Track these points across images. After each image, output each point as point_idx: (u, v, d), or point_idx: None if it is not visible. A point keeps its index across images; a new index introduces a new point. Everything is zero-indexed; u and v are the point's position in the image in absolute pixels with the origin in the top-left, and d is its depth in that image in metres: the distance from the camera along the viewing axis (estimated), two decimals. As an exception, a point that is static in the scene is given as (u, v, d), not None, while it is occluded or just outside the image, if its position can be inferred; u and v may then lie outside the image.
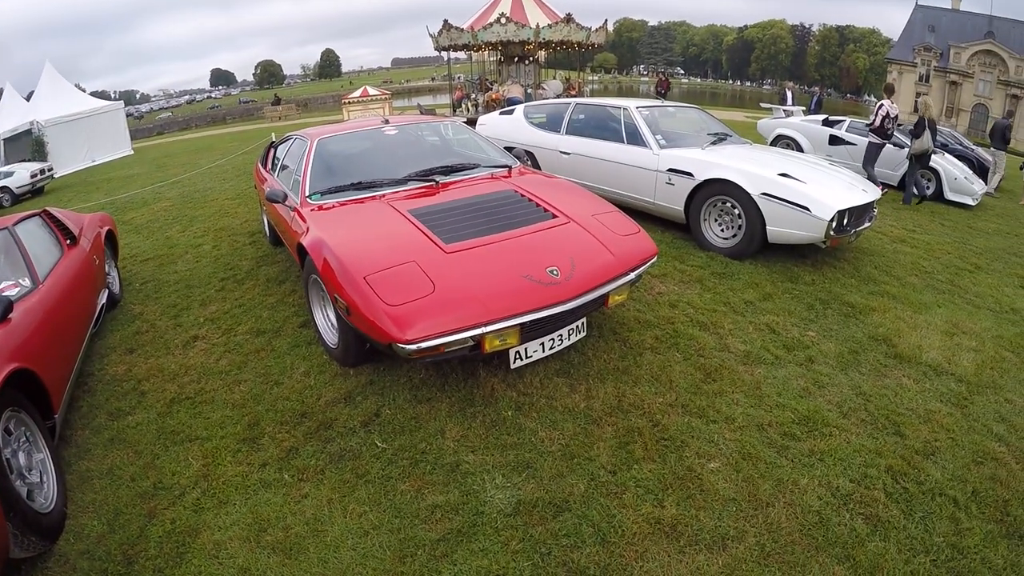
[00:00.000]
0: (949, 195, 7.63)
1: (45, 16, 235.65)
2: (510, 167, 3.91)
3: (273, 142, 5.22)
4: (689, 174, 4.80)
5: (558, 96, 14.70)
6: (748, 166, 4.56)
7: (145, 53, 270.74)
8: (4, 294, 2.61)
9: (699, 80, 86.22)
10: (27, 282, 3.02)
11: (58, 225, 3.93)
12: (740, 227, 4.58)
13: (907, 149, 7.47)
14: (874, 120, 7.27)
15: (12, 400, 2.18)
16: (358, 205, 3.30)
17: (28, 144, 17.86)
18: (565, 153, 6.09)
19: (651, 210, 5.34)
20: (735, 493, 2.19)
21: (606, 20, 15.00)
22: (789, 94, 13.75)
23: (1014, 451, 2.47)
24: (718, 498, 2.17)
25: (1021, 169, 10.46)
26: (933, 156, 7.49)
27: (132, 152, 21.08)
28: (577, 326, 2.85)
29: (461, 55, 16.94)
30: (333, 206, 3.31)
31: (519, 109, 7.17)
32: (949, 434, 2.56)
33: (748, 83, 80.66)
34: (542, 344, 2.71)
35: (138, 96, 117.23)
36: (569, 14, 13.68)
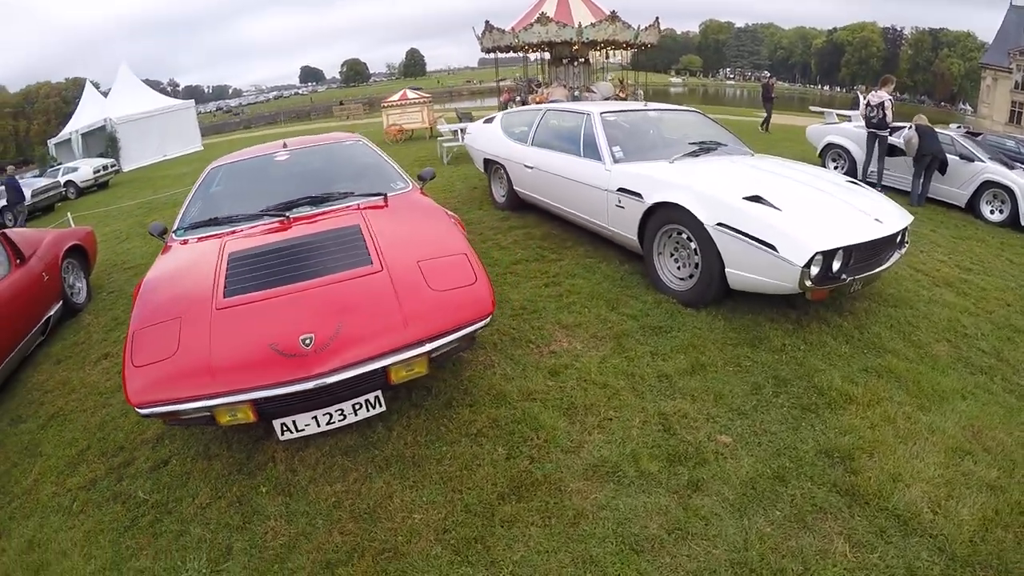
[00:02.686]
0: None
1: (144, 13, 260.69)
2: (386, 195, 3.34)
3: None
4: (639, 195, 3.78)
5: (606, 99, 13.66)
6: (709, 186, 3.47)
7: (239, 49, 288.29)
8: None
9: (787, 84, 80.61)
10: None
11: (11, 245, 4.20)
12: (696, 265, 3.49)
13: (976, 163, 6.39)
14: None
15: None
16: (199, 244, 3.09)
17: (103, 139, 19.59)
18: (528, 167, 5.26)
19: (608, 236, 4.37)
20: None
21: (657, 18, 13.67)
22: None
23: None
24: None
25: None
26: (1013, 170, 6.25)
27: (202, 148, 22.56)
28: (368, 400, 2.35)
29: (519, 56, 16.24)
30: (185, 242, 3.16)
31: (499, 117, 6.37)
32: None
33: (838, 88, 74.85)
34: (315, 418, 2.29)
35: (230, 91, 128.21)
36: (614, 12, 12.59)
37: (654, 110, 5.21)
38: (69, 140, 21.25)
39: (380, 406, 2.36)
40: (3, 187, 11.87)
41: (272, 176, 3.78)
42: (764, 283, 3.12)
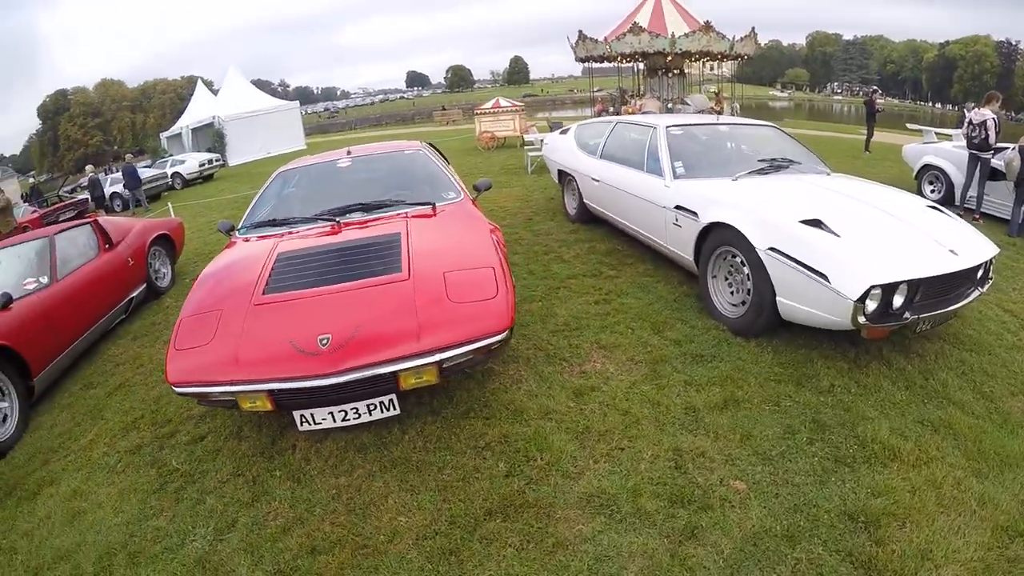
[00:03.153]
0: None
1: (259, 15, 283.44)
2: (434, 204, 3.45)
3: None
4: (695, 213, 3.60)
5: (700, 112, 13.22)
6: (765, 207, 3.26)
7: (349, 53, 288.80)
8: (6, 291, 3.56)
9: (896, 101, 73.68)
10: (45, 279, 3.97)
11: (102, 232, 4.86)
12: (748, 291, 3.25)
13: None
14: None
15: None
16: (257, 242, 3.34)
17: (211, 134, 21.67)
18: (596, 180, 5.21)
19: (667, 255, 4.21)
20: None
21: (753, 29, 12.95)
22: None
23: None
24: None
25: None
26: None
27: (305, 147, 24.29)
28: (383, 402, 2.43)
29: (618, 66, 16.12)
30: (247, 240, 3.45)
31: (573, 128, 6.36)
32: None
33: (950, 105, 67.88)
34: (331, 414, 2.42)
35: (338, 92, 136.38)
36: (708, 22, 12.11)
37: (726, 124, 4.96)
38: (180, 134, 23.90)
39: (394, 409, 2.43)
40: (122, 173, 13.61)
41: (334, 182, 4.02)
42: (815, 316, 2.86)
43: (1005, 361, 3.11)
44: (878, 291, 2.68)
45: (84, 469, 2.77)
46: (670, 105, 13.20)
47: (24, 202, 13.61)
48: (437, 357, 2.26)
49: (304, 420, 2.39)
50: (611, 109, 14.63)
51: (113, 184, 14.45)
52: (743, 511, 2.04)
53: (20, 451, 3.10)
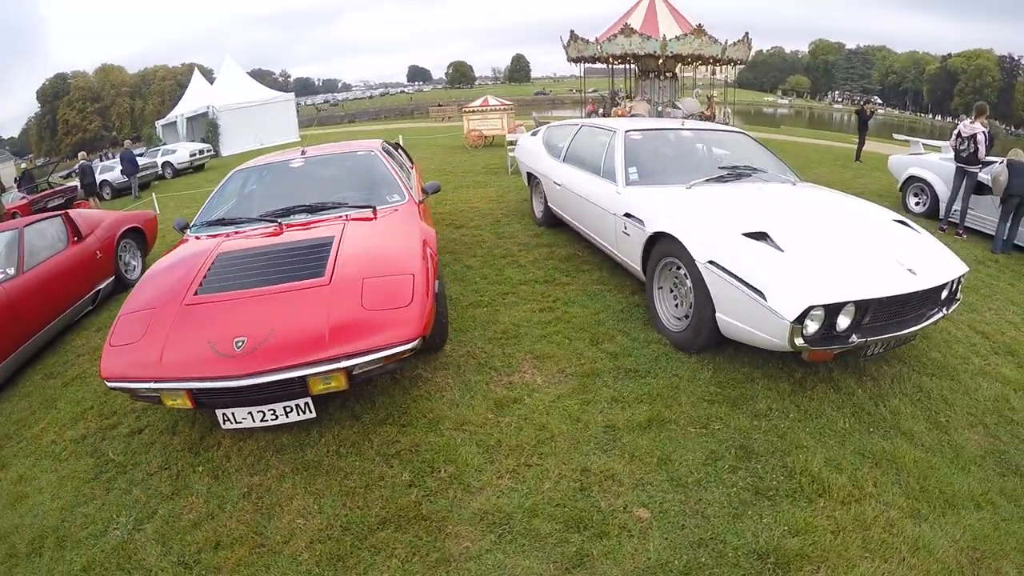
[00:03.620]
0: None
1: (262, 4, 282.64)
2: (375, 208, 3.55)
3: None
4: (642, 222, 3.63)
5: (690, 116, 13.29)
6: (711, 217, 3.27)
7: (351, 45, 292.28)
8: None
9: (896, 112, 74.27)
10: (12, 271, 4.11)
11: (72, 225, 4.99)
12: (691, 305, 3.25)
13: None
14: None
15: None
16: (202, 241, 3.45)
17: (205, 124, 21.87)
18: (557, 184, 5.28)
19: (620, 263, 4.24)
20: None
21: (746, 33, 13.01)
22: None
23: None
24: None
25: None
26: None
27: (299, 139, 24.44)
28: (298, 405, 2.53)
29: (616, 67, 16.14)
30: (197, 238, 3.54)
31: (542, 130, 6.44)
32: None
33: (950, 118, 68.91)
34: (251, 413, 2.52)
35: (340, 85, 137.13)
36: (699, 25, 12.16)
37: (692, 130, 4.95)
38: (175, 123, 24.14)
39: (310, 412, 2.51)
40: (119, 158, 13.82)
41: (285, 182, 4.13)
42: (754, 335, 2.80)
43: (968, 388, 3.03)
44: (820, 312, 2.58)
45: (32, 456, 2.92)
46: (660, 108, 13.28)
47: (16, 187, 13.82)
48: (344, 364, 2.35)
49: (226, 418, 2.50)
50: (600, 111, 14.73)
51: (104, 172, 14.63)
52: (641, 542, 2.02)
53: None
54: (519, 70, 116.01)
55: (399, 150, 5.98)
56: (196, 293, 2.75)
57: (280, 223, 3.40)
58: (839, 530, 2.05)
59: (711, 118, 13.52)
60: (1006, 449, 2.57)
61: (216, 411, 2.51)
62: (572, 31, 13.69)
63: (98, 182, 14.01)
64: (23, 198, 11.23)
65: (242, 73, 25.52)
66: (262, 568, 2.00)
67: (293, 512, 2.24)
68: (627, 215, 3.83)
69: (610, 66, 15.22)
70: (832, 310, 2.62)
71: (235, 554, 2.07)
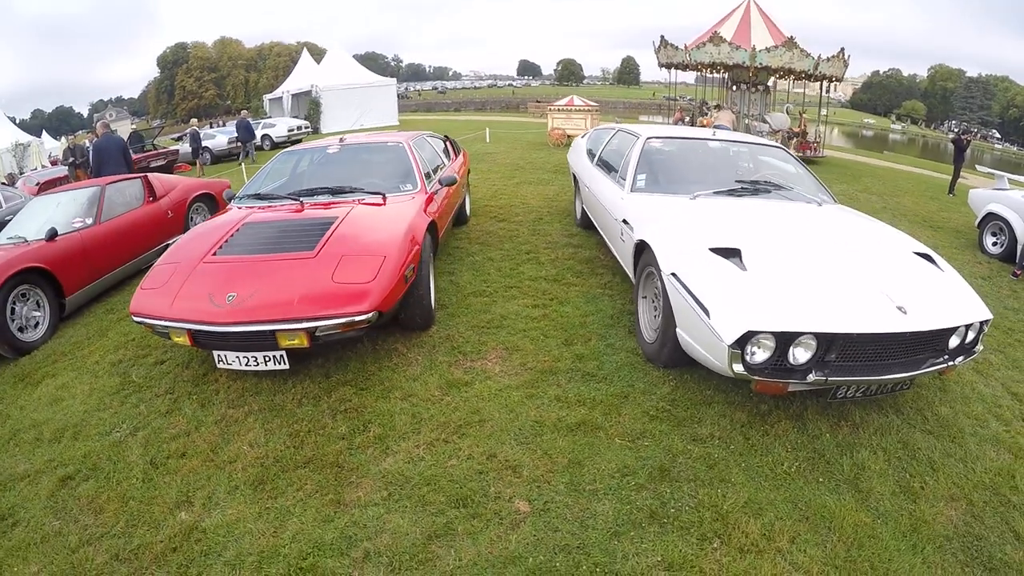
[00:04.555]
0: None
1: None
2: (385, 195, 3.99)
3: None
4: (632, 228, 3.73)
5: (777, 132, 12.85)
6: (687, 228, 3.28)
7: (464, 36, 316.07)
8: (54, 226, 4.58)
9: (1015, 149, 65.49)
10: (90, 221, 4.98)
11: (149, 187, 5.89)
12: (657, 317, 3.30)
13: None
14: None
15: (28, 282, 4.20)
16: (239, 211, 4.04)
17: (308, 102, 23.70)
18: (587, 186, 5.49)
19: (624, 268, 4.32)
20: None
21: (842, 49, 12.18)
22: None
23: None
24: None
25: None
26: None
27: (398, 123, 25.95)
28: (275, 356, 2.97)
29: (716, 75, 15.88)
30: (237, 208, 4.16)
31: (590, 133, 6.66)
32: None
33: None
34: (238, 357, 3.02)
35: (450, 73, 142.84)
36: (791, 37, 11.63)
37: (723, 141, 4.89)
38: (281, 98, 26.43)
39: (284, 364, 2.96)
40: (236, 126, 15.55)
41: (321, 165, 4.71)
42: (703, 356, 2.71)
43: (969, 454, 2.68)
44: (768, 339, 2.46)
45: (77, 371, 3.68)
46: (747, 121, 12.92)
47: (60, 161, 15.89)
48: (306, 325, 2.76)
49: (220, 359, 3.03)
50: (687, 119, 14.54)
51: (207, 139, 16.51)
52: (507, 531, 2.13)
53: (41, 351, 4.07)
54: (628, 72, 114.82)
55: (448, 143, 6.47)
56: (215, 254, 3.32)
57: (302, 202, 3.93)
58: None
59: (803, 135, 12.98)
60: (984, 535, 2.19)
61: (212, 352, 3.04)
62: (662, 36, 13.62)
63: (200, 149, 15.86)
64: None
65: (347, 56, 27.52)
66: (204, 477, 2.48)
67: (245, 441, 2.70)
68: (624, 220, 3.95)
69: (703, 74, 14.96)
70: (784, 339, 2.46)
71: (190, 463, 2.57)
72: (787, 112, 14.72)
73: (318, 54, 30.82)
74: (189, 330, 2.92)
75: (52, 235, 4.49)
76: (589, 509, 2.25)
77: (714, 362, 2.63)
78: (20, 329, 4.09)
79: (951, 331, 2.68)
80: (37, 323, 4.27)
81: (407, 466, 2.49)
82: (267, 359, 2.97)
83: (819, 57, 12.14)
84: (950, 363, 2.72)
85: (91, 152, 7.77)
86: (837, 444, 2.69)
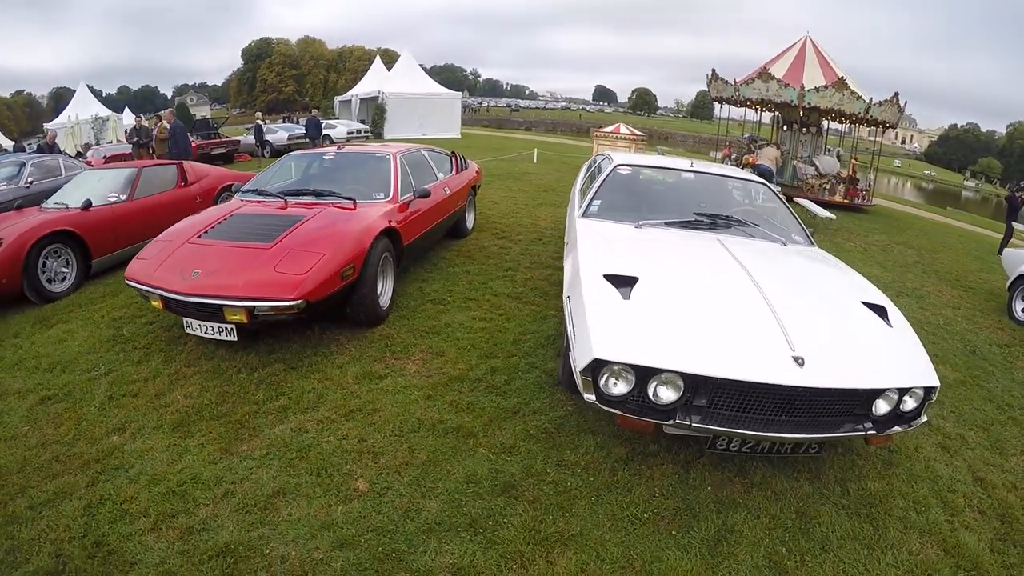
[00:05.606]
0: None
1: (464, 4, 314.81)
2: (355, 201, 4.62)
3: None
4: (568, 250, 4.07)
5: (825, 176, 12.84)
6: (600, 253, 3.29)
7: (544, 57, 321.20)
8: (89, 198, 5.60)
9: None
10: (124, 197, 5.98)
11: (182, 172, 6.85)
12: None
13: None
14: None
15: (60, 242, 5.17)
16: (237, 203, 4.83)
17: (373, 107, 25.20)
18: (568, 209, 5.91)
19: None
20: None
21: (896, 94, 11.95)
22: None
23: None
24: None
25: None
26: None
27: (459, 136, 27.23)
28: (225, 328, 3.67)
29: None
30: (238, 200, 4.95)
31: (591, 159, 7.06)
32: None
33: None
34: (200, 325, 3.72)
35: (527, 92, 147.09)
36: (841, 78, 11.57)
37: (698, 173, 4.85)
38: (350, 101, 28.22)
39: (233, 336, 3.63)
40: (306, 124, 17.06)
41: (315, 169, 5.46)
42: (577, 383, 2.62)
43: (881, 542, 2.46)
44: (629, 372, 2.41)
45: (84, 321, 4.58)
46: (794, 162, 12.95)
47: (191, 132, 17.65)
48: (243, 304, 3.41)
49: (188, 324, 3.73)
50: (733, 156, 14.70)
51: (268, 134, 18.10)
52: (338, 502, 2.50)
53: (63, 302, 5.04)
54: (702, 107, 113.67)
55: (454, 159, 7.13)
56: (199, 237, 4.05)
57: (287, 200, 4.66)
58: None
59: (850, 181, 12.89)
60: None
61: (183, 319, 3.76)
62: (713, 70, 13.87)
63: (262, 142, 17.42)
64: (193, 143, 14.27)
65: (415, 66, 29.12)
66: (142, 413, 3.20)
67: (183, 393, 3.39)
68: (567, 242, 4.33)
69: (757, 111, 15.07)
70: (643, 374, 2.41)
71: (136, 402, 3.31)
72: (837, 157, 14.50)
73: (391, 61, 32.67)
74: (161, 296, 3.66)
75: (87, 205, 5.50)
76: (419, 504, 2.50)
77: (580, 387, 2.57)
78: (49, 280, 5.09)
79: (873, 393, 2.46)
80: (64, 278, 5.28)
81: (292, 435, 3.03)
82: (220, 330, 3.66)
83: (871, 101, 11.98)
84: (875, 431, 2.48)
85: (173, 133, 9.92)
86: (716, 500, 2.59)
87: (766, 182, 4.93)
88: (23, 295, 4.88)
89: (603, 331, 2.51)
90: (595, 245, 3.49)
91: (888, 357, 2.63)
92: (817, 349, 2.47)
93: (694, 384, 2.41)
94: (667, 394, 2.43)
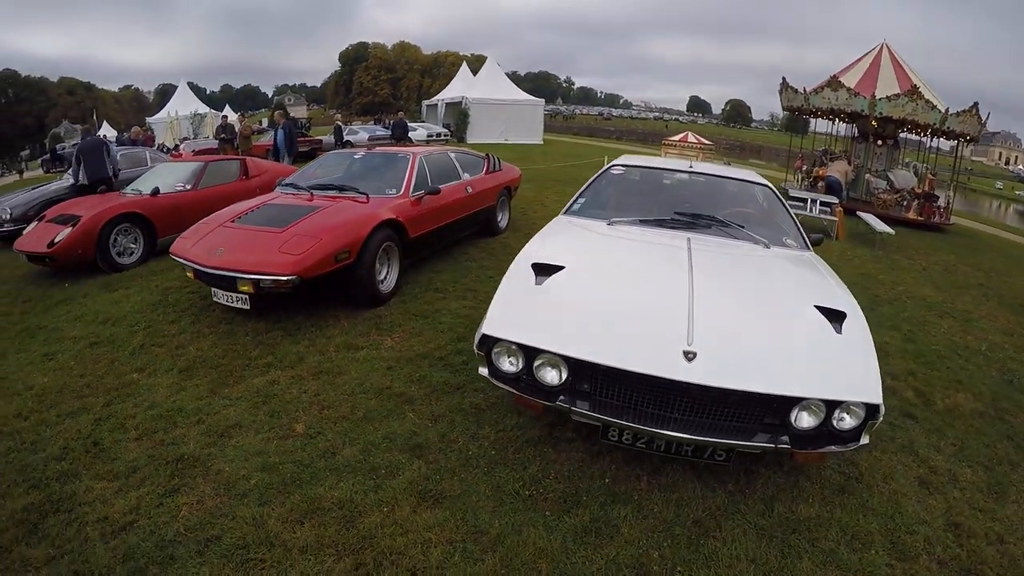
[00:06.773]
0: None
1: (560, 11, 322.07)
2: (368, 195, 5.26)
3: None
4: None
5: (900, 191, 12.24)
6: (548, 245, 3.50)
7: (640, 65, 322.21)
8: (157, 186, 6.71)
9: None
10: (189, 187, 7.07)
11: (245, 168, 7.92)
12: None
13: None
14: None
15: (129, 221, 6.30)
16: (277, 193, 5.69)
17: (457, 112, 26.43)
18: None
19: None
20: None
21: (975, 104, 11.01)
22: None
23: None
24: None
25: None
26: None
27: (541, 142, 28.03)
28: (240, 297, 4.36)
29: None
30: (279, 191, 5.76)
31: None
32: None
33: None
34: (223, 294, 4.47)
35: (620, 101, 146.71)
36: (914, 86, 10.87)
37: (695, 174, 4.81)
38: (436, 105, 29.74)
39: (246, 304, 4.35)
40: (393, 125, 18.50)
41: (346, 166, 6.20)
42: None
43: (787, 570, 2.26)
44: (517, 351, 2.54)
45: (139, 288, 5.57)
46: (867, 176, 12.41)
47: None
48: (250, 277, 4.09)
49: (215, 293, 4.47)
50: (805, 167, 14.28)
51: (350, 134, 19.65)
52: (276, 437, 3.02)
53: (128, 273, 6.10)
54: (796, 120, 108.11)
55: (488, 161, 7.66)
56: (233, 221, 4.85)
57: (312, 194, 5.39)
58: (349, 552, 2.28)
59: (926, 198, 12.20)
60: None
61: (212, 288, 4.52)
62: (784, 78, 13.52)
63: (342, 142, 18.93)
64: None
65: (499, 72, 30.31)
66: (161, 359, 4.00)
67: (197, 346, 4.14)
68: None
69: (832, 122, 14.53)
70: (528, 354, 2.54)
71: (160, 351, 4.12)
72: (915, 172, 13.65)
73: (480, 67, 34.05)
74: (193, 268, 4.47)
75: (155, 192, 6.59)
76: (337, 448, 2.92)
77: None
78: (119, 254, 6.19)
79: (785, 401, 2.32)
80: (132, 252, 6.40)
81: (265, 384, 3.64)
82: (236, 299, 4.39)
83: (947, 111, 11.21)
84: (795, 447, 2.34)
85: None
86: (610, 494, 2.61)
87: (770, 185, 4.80)
88: (96, 264, 5.97)
89: (499, 310, 2.70)
90: (544, 236, 3.72)
91: (820, 365, 2.42)
92: (718, 347, 2.39)
93: (578, 368, 2.47)
94: (550, 375, 2.52)
